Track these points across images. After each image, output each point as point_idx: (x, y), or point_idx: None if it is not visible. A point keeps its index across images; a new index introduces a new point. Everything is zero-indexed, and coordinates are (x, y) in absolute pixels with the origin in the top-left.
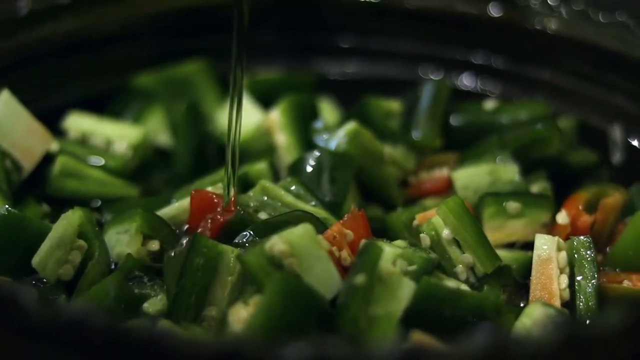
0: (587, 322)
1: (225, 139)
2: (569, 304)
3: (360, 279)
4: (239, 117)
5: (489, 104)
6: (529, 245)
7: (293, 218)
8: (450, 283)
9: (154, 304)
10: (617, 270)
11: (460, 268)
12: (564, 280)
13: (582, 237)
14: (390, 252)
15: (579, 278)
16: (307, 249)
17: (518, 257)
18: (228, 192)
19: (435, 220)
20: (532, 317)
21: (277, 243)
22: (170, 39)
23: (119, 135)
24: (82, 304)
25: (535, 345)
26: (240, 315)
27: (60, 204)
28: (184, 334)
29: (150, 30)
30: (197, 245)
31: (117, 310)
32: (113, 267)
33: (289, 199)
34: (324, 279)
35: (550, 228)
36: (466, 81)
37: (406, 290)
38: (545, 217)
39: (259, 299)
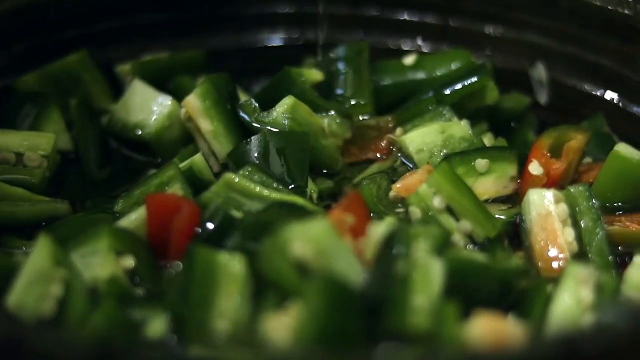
0: None
1: (132, 131)
2: (579, 255)
3: (401, 268)
4: None
5: (409, 59)
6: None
7: (281, 212)
8: (467, 254)
9: (157, 327)
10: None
11: (457, 237)
12: (570, 232)
13: (580, 187)
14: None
15: (584, 227)
16: (331, 244)
17: (503, 214)
18: None
19: (423, 191)
20: (577, 278)
21: (301, 245)
22: (46, 33)
23: (28, 145)
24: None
25: None
26: (280, 323)
27: None
28: None
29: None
30: (196, 257)
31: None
32: None
33: (258, 190)
34: (350, 272)
35: (519, 180)
36: (378, 38)
37: (437, 270)
38: (512, 170)
39: (301, 306)
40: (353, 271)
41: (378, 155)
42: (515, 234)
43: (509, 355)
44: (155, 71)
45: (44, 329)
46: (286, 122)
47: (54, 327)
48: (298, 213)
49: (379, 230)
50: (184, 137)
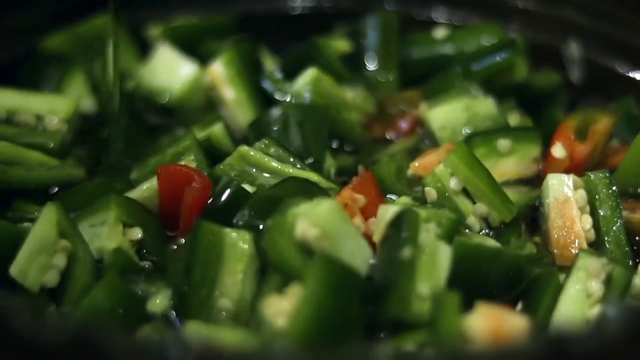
0: None
1: (156, 96)
2: (595, 243)
3: (406, 252)
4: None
5: (440, 32)
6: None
7: (292, 188)
8: (478, 240)
9: (159, 302)
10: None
11: (472, 219)
12: (587, 220)
13: (599, 173)
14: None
15: (602, 215)
16: (337, 226)
17: (520, 198)
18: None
19: (440, 171)
20: (587, 270)
21: (307, 227)
22: None
23: (48, 108)
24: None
25: None
26: (280, 307)
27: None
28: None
29: None
30: (201, 232)
31: (120, 316)
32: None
33: (273, 164)
34: (357, 255)
35: (543, 162)
36: (408, 7)
37: (445, 256)
38: (535, 151)
39: (300, 289)
40: (360, 254)
41: (402, 132)
42: (534, 218)
43: (497, 352)
44: (185, 35)
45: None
46: (307, 94)
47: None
48: (310, 190)
49: (389, 211)
50: (209, 105)
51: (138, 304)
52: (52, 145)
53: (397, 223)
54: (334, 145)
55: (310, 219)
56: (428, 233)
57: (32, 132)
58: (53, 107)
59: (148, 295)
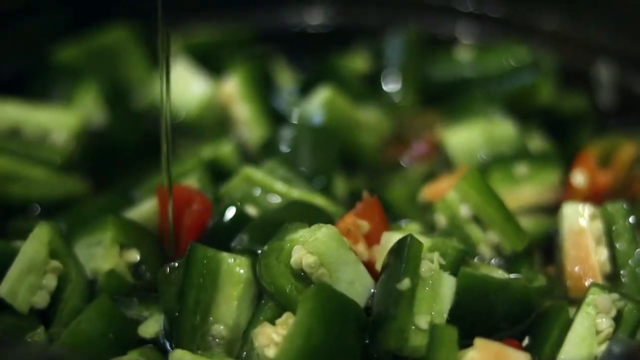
0: None
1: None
2: (610, 276)
3: (405, 284)
4: (168, 91)
5: (464, 52)
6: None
7: (294, 212)
8: (485, 270)
9: (150, 326)
10: None
11: (483, 248)
12: (603, 252)
13: (617, 204)
14: (425, 246)
15: (619, 248)
16: (336, 254)
17: (535, 227)
18: (169, 179)
19: (450, 198)
20: (597, 306)
21: (304, 255)
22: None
23: (56, 122)
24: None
25: None
26: (271, 338)
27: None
28: None
29: None
30: (196, 256)
31: (110, 340)
32: None
33: (278, 186)
34: (356, 285)
35: (562, 190)
36: (432, 26)
37: (448, 287)
38: (554, 178)
39: (293, 320)
40: (360, 283)
41: (419, 156)
42: (549, 248)
43: None
44: (204, 50)
45: None
46: (320, 115)
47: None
48: (313, 214)
49: (393, 238)
50: (224, 123)
51: (129, 328)
52: (58, 160)
53: (398, 251)
54: (348, 168)
55: (307, 246)
56: (432, 263)
57: (37, 147)
58: (60, 121)
59: (141, 319)
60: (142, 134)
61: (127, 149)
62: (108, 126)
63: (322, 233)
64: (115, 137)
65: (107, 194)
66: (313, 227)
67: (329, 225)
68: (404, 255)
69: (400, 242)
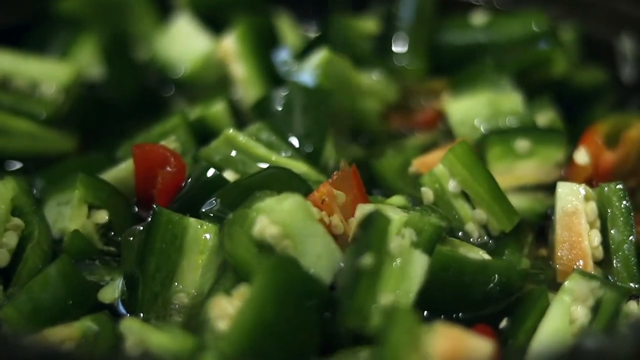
0: None
1: (170, 69)
2: (603, 262)
3: (367, 260)
4: None
5: (478, 17)
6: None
7: (268, 179)
8: (465, 249)
9: (110, 291)
10: None
11: (471, 226)
12: (596, 236)
13: (613, 185)
14: (396, 220)
15: (613, 233)
16: (302, 226)
17: (533, 205)
18: None
19: (439, 171)
20: (573, 294)
21: (267, 226)
22: None
23: (46, 74)
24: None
25: None
26: (224, 310)
27: None
28: None
29: None
30: (159, 220)
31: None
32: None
33: (260, 150)
34: (323, 259)
35: (565, 168)
36: None
37: (419, 266)
38: (558, 155)
39: (247, 291)
40: (327, 257)
41: (422, 125)
42: (545, 228)
43: None
44: (211, 5)
45: None
46: (316, 76)
47: None
48: (290, 182)
49: (367, 211)
50: (224, 82)
51: (89, 292)
52: (43, 114)
53: (364, 226)
54: (346, 135)
55: (272, 216)
56: (403, 239)
57: (25, 99)
58: (50, 73)
59: (102, 283)
60: (140, 90)
61: (122, 105)
62: (104, 81)
63: (287, 203)
64: (111, 92)
65: (92, 153)
66: (280, 196)
67: (296, 195)
68: (367, 230)
69: (368, 217)
